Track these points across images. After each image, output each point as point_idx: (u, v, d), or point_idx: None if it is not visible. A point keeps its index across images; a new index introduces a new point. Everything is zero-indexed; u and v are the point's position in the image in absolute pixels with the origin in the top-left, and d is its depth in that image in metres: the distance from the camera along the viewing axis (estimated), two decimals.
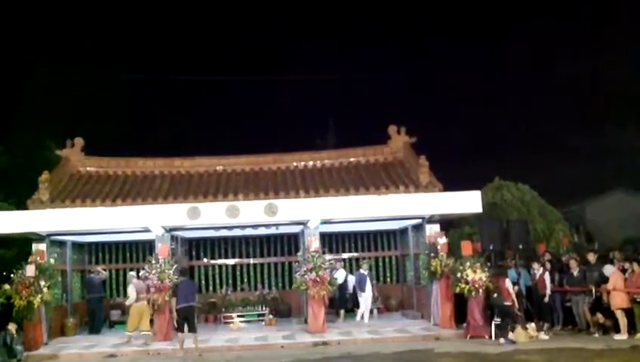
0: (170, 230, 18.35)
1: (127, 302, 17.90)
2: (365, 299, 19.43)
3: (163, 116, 36.33)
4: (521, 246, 17.49)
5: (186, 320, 15.66)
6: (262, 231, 20.94)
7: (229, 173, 21.47)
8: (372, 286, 19.86)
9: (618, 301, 15.41)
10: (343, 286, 19.90)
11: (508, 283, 16.40)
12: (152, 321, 17.53)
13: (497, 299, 16.14)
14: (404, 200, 18.13)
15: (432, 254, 17.78)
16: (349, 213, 17.97)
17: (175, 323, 15.99)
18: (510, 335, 15.57)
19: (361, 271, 19.84)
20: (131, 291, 17.80)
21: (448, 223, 19.86)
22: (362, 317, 19.48)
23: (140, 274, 17.60)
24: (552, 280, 17.51)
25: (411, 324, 18.37)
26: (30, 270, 16.75)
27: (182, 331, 15.71)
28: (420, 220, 18.96)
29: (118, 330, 18.85)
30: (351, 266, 22.09)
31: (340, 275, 19.75)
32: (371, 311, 20.46)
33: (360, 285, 19.47)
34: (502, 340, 15.46)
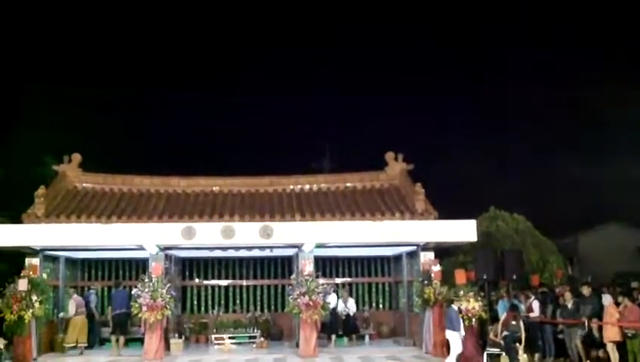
0: (164, 249, 18.32)
1: (67, 316, 18.58)
2: (457, 340, 16.04)
3: (159, 134, 36.49)
4: (514, 277, 17.50)
5: (120, 324, 18.32)
6: (256, 253, 20.95)
7: (225, 193, 21.48)
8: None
9: (611, 334, 15.40)
10: (335, 311, 19.84)
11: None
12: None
13: (515, 326, 15.97)
14: (400, 227, 18.13)
15: (426, 282, 17.75)
16: (343, 238, 17.95)
17: (111, 328, 18.72)
18: None
19: (454, 306, 16.41)
20: (71, 306, 18.55)
21: (443, 251, 19.86)
22: None
23: (133, 291, 17.53)
24: (544, 312, 17.49)
25: (403, 351, 18.29)
26: (22, 284, 16.65)
27: (115, 334, 18.36)
28: (414, 247, 18.97)
29: (109, 348, 18.77)
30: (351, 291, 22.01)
31: (332, 300, 19.70)
32: (363, 337, 20.41)
33: (452, 323, 16.05)
34: None
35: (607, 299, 16.08)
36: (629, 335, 15.13)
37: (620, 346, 15.37)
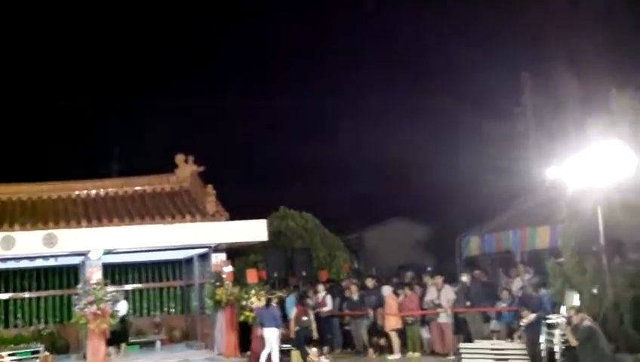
0: None
1: None
2: (274, 338, 15.84)
3: None
4: (304, 273, 18.04)
5: None
6: (39, 262, 19.85)
7: (5, 201, 20.19)
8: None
9: (392, 323, 16.38)
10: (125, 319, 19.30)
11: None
12: None
13: (307, 321, 16.35)
14: (191, 229, 18.05)
15: (218, 283, 17.81)
16: (133, 243, 17.57)
17: None
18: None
19: (273, 304, 16.30)
20: None
21: (234, 252, 19.99)
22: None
23: None
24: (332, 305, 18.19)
25: (195, 354, 18.25)
26: None
27: None
28: (206, 249, 18.96)
29: None
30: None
31: (122, 307, 19.15)
32: (154, 343, 20.04)
33: (275, 320, 15.87)
34: None
35: (386, 291, 17.04)
36: (409, 322, 16.20)
37: (401, 333, 16.42)
